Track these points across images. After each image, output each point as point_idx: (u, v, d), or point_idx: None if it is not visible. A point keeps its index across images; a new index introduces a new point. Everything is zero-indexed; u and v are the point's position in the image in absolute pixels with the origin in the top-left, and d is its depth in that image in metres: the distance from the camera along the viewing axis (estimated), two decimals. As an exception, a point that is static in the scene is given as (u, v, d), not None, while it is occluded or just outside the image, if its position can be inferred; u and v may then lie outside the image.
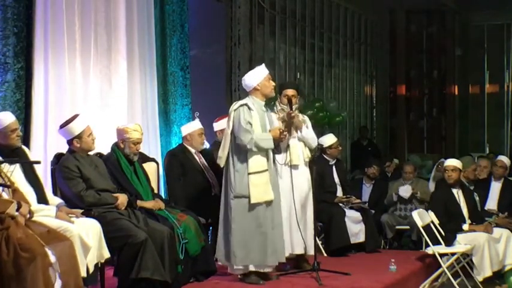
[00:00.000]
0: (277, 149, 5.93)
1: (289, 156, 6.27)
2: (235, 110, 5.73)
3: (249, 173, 5.62)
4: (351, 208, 7.81)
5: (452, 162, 7.27)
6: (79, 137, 5.31)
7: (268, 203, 5.68)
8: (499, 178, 8.02)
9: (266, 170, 5.67)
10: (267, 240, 5.66)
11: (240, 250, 5.62)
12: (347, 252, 7.58)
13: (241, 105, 5.74)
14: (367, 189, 9.01)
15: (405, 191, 8.73)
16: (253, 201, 5.60)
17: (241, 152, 5.67)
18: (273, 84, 5.91)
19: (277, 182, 5.92)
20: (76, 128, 5.30)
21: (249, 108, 5.72)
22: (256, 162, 5.65)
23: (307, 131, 6.46)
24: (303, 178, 6.40)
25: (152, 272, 5.04)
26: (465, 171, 7.92)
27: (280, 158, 6.11)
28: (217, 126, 7.11)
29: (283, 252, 5.86)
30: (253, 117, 5.69)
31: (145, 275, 5.02)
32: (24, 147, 5.11)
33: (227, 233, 5.69)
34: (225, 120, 6.93)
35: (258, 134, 5.65)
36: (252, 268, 5.68)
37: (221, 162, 5.80)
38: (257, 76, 5.84)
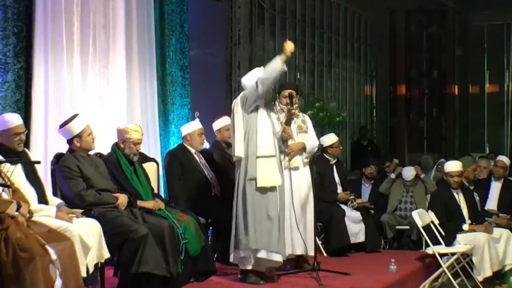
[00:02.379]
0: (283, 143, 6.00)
1: (288, 159, 6.25)
2: (238, 97, 5.84)
3: (257, 157, 5.65)
4: (356, 209, 7.79)
5: (456, 168, 7.20)
6: (79, 136, 5.32)
7: (275, 189, 5.70)
8: (499, 178, 8.02)
9: (274, 156, 5.71)
10: (274, 226, 5.67)
11: (249, 232, 5.61)
12: (347, 252, 7.58)
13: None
14: (366, 189, 9.02)
15: (408, 171, 8.80)
16: (259, 184, 5.62)
17: (252, 136, 5.69)
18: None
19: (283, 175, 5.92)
20: (76, 127, 5.31)
21: None
22: (264, 146, 5.69)
23: (305, 136, 6.47)
24: (303, 179, 6.40)
25: (153, 267, 5.04)
26: (465, 171, 7.91)
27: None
28: (216, 126, 7.12)
29: (285, 244, 5.85)
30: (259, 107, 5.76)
31: (146, 269, 5.02)
32: (25, 149, 5.11)
33: (241, 218, 5.69)
34: (222, 119, 6.99)
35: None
36: (261, 255, 5.62)
37: (237, 153, 5.74)
38: (255, 77, 5.84)
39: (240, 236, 5.65)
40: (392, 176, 8.92)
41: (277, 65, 5.67)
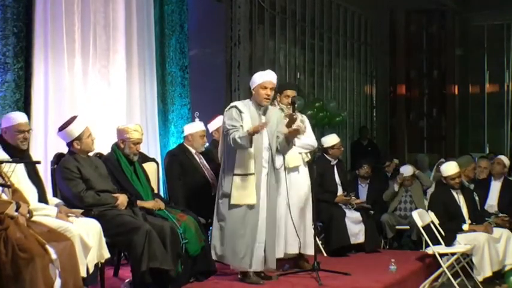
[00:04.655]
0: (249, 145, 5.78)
1: (286, 160, 6.21)
2: (225, 112, 5.77)
3: (233, 174, 5.63)
4: (356, 210, 7.79)
5: (454, 170, 7.18)
6: (78, 138, 5.30)
7: (251, 207, 5.64)
8: (499, 177, 8.00)
9: (252, 174, 5.63)
10: (243, 244, 5.63)
11: (219, 246, 5.67)
12: (347, 252, 7.58)
13: (231, 107, 5.74)
14: (363, 189, 9.01)
15: (406, 168, 8.92)
16: (232, 202, 5.62)
17: (230, 152, 5.68)
18: (268, 94, 5.73)
19: (275, 187, 5.85)
20: (75, 130, 5.29)
21: (239, 110, 5.69)
22: (242, 164, 5.62)
23: (304, 136, 6.44)
24: (303, 179, 6.38)
25: (161, 262, 5.04)
26: (465, 170, 7.92)
27: (277, 162, 6.06)
28: (211, 127, 7.15)
29: (261, 260, 5.73)
30: (244, 120, 5.66)
31: (155, 265, 5.01)
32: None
33: (215, 228, 5.75)
34: (217, 119, 7.01)
35: (238, 133, 5.57)
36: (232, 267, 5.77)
37: (219, 160, 5.90)
38: (254, 81, 5.81)
39: (214, 243, 5.70)
40: (396, 188, 8.88)
41: (245, 142, 5.53)
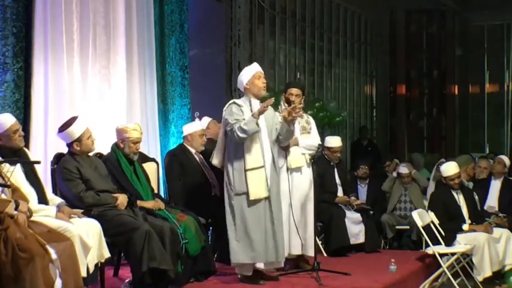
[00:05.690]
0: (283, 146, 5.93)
1: (289, 160, 6.20)
2: (225, 110, 5.76)
3: (246, 170, 5.60)
4: (355, 210, 7.79)
5: (453, 170, 7.17)
6: (79, 139, 5.29)
7: (267, 199, 5.66)
8: (499, 176, 8.00)
9: (262, 167, 5.64)
10: (268, 236, 5.64)
11: (242, 246, 5.61)
12: (347, 253, 7.58)
13: (230, 104, 5.75)
14: (362, 189, 9.02)
15: (403, 166, 9.02)
16: (251, 197, 5.59)
17: (237, 150, 5.65)
18: (264, 82, 5.78)
19: (278, 180, 5.87)
20: (75, 131, 5.28)
21: (238, 104, 5.71)
22: (253, 158, 5.62)
23: (309, 137, 6.44)
24: (305, 179, 6.37)
25: (159, 262, 5.04)
26: (466, 168, 7.91)
27: (280, 162, 6.06)
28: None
29: (283, 249, 5.82)
30: (244, 113, 5.67)
31: (153, 265, 5.01)
32: (25, 148, 5.10)
33: (232, 231, 5.69)
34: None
35: (242, 122, 5.57)
36: (257, 265, 5.68)
37: (214, 162, 5.86)
38: (246, 75, 5.80)
39: (236, 247, 5.65)
40: (394, 174, 8.97)
41: (253, 126, 5.54)
